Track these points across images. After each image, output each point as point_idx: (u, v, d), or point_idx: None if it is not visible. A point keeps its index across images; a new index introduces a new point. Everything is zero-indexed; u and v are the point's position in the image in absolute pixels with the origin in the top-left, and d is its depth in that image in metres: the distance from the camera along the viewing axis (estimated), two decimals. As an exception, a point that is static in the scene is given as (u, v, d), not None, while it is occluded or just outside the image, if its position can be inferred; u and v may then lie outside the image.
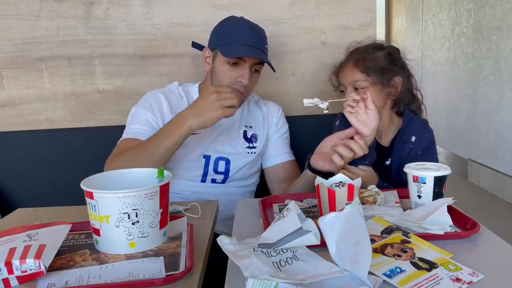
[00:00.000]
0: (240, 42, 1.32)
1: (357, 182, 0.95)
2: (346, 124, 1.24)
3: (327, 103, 1.19)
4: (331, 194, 0.93)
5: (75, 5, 1.63)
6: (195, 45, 1.48)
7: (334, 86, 1.44)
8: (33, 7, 1.63)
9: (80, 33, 1.65)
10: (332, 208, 0.93)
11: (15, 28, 1.64)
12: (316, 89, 1.73)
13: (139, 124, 1.34)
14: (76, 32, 1.65)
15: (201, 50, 1.44)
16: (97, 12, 1.64)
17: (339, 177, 0.99)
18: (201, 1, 1.65)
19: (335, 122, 1.41)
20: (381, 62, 1.30)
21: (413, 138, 1.30)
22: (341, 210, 0.76)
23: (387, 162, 1.33)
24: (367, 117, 1.17)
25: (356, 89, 1.30)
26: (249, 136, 1.46)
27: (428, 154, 1.30)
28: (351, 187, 0.92)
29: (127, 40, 1.66)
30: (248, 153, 1.44)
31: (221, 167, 1.41)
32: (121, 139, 1.35)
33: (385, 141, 1.36)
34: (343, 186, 0.94)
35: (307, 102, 1.18)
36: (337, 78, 1.41)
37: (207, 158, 1.40)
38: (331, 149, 1.21)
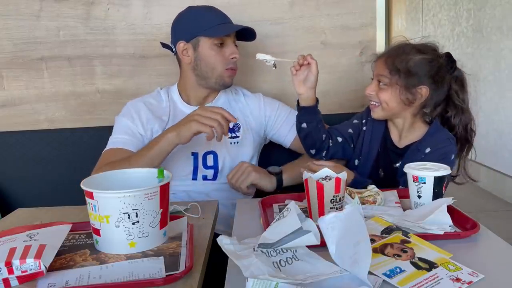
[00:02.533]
0: (219, 22, 1.38)
1: (343, 175, 0.97)
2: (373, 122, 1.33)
3: (273, 61, 1.28)
4: (320, 187, 0.95)
5: (75, 5, 1.63)
6: (165, 45, 1.48)
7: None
8: (33, 7, 1.63)
9: (80, 33, 1.65)
10: (321, 200, 0.95)
11: (15, 28, 1.64)
12: (316, 89, 1.72)
13: (120, 133, 1.38)
14: (76, 32, 1.65)
15: (173, 49, 1.43)
16: (97, 12, 1.64)
17: (325, 171, 1.00)
18: (201, 1, 1.65)
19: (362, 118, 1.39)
20: (410, 66, 1.21)
21: (428, 150, 1.23)
22: (341, 210, 0.76)
23: (396, 165, 1.29)
24: (307, 78, 1.29)
25: (379, 82, 1.26)
26: (230, 126, 1.45)
27: None
28: (338, 180, 0.95)
29: (127, 40, 1.66)
30: (231, 143, 1.45)
31: (210, 161, 1.43)
32: (105, 149, 1.36)
33: (402, 144, 1.31)
34: (329, 180, 0.96)
35: (259, 56, 1.28)
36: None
37: (195, 155, 1.42)
38: None
